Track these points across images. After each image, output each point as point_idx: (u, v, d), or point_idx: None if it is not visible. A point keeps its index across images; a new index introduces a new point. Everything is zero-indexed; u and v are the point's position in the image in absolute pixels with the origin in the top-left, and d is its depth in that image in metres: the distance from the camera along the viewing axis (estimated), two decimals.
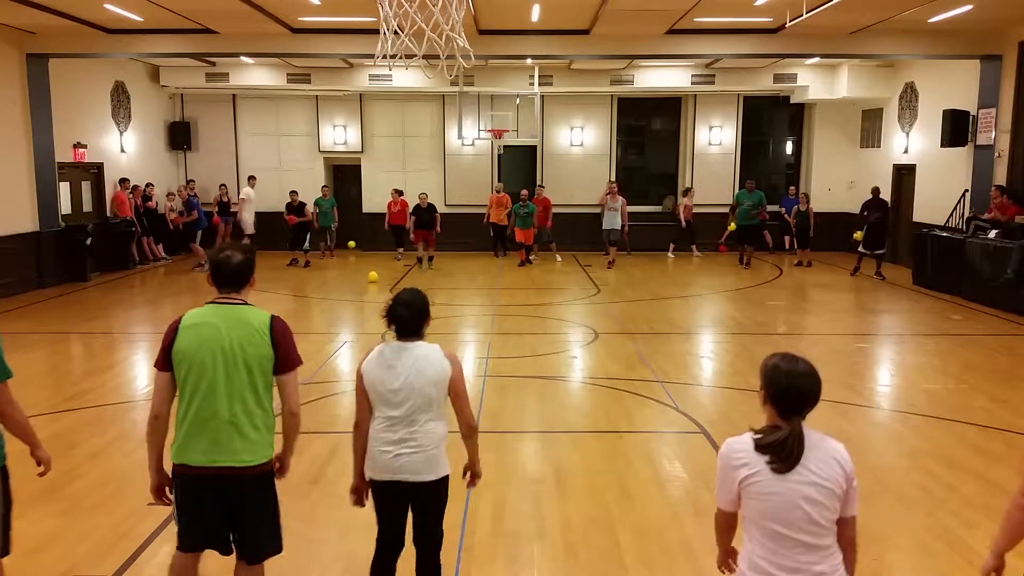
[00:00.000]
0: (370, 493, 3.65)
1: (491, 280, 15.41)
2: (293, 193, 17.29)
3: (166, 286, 14.99)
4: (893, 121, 17.79)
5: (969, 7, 12.07)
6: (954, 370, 8.80)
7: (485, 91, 18.49)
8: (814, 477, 2.51)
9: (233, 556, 3.52)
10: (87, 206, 16.04)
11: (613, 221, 16.80)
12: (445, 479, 3.59)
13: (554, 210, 17.98)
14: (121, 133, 17.14)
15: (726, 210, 18.39)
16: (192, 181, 18.86)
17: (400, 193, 17.46)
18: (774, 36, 14.32)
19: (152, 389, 3.49)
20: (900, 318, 12.01)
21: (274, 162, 19.72)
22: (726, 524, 2.79)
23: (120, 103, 17.11)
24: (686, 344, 10.26)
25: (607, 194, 17.06)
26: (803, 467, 2.51)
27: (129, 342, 10.43)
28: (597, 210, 18.45)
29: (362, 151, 19.84)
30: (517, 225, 17.16)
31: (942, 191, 15.60)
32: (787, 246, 18.42)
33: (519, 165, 20.09)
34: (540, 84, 17.98)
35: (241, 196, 18.06)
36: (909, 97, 17.15)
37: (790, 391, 2.57)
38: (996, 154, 14.07)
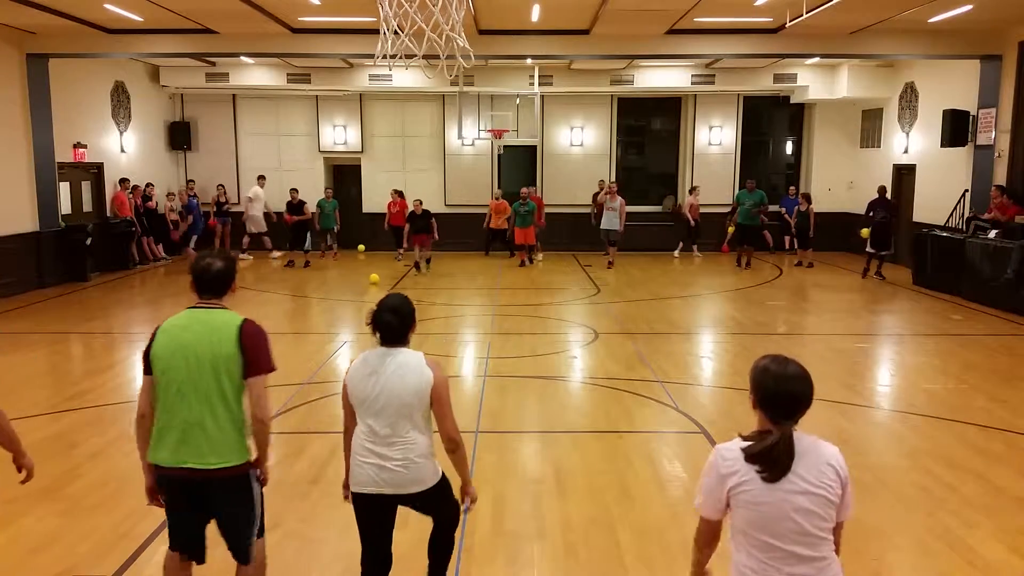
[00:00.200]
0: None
1: (491, 280, 15.41)
2: (293, 191, 17.33)
3: (166, 286, 14.98)
4: (893, 121, 17.78)
5: (969, 7, 12.07)
6: (954, 370, 8.80)
7: (485, 91, 18.48)
8: (805, 485, 2.41)
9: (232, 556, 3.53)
10: (87, 206, 16.04)
11: (612, 221, 16.78)
12: (437, 485, 3.49)
13: (554, 210, 17.96)
14: (121, 133, 17.13)
15: (726, 210, 18.41)
16: (192, 181, 18.89)
17: (400, 194, 17.46)
18: (774, 36, 14.32)
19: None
20: (900, 318, 12.01)
21: (274, 162, 19.71)
22: (710, 535, 2.65)
23: (120, 103, 17.11)
24: (686, 344, 10.26)
25: (605, 194, 17.05)
26: (794, 475, 2.41)
27: (129, 342, 10.41)
28: (590, 210, 18.51)
29: (362, 151, 19.84)
30: (517, 224, 17.11)
31: (942, 191, 15.60)
32: (787, 246, 18.43)
33: (519, 165, 20.09)
34: (540, 84, 17.97)
35: (249, 195, 18.06)
36: (909, 97, 17.15)
37: (779, 395, 2.47)
38: (996, 154, 14.07)
